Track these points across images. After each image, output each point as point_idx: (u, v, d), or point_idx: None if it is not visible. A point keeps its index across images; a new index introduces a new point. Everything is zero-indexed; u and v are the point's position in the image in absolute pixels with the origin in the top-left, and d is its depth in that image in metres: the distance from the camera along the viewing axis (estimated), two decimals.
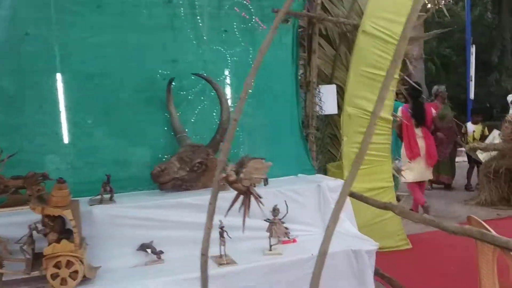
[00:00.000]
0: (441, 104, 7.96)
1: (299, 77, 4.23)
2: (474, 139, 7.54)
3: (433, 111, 6.58)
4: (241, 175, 1.71)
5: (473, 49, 12.25)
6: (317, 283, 1.79)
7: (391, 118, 4.59)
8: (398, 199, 5.17)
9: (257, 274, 2.77)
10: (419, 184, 6.31)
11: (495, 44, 13.98)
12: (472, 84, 12.22)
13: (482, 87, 14.58)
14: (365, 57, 4.44)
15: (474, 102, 12.17)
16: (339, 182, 3.40)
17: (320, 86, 4.24)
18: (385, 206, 3.47)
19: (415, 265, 4.56)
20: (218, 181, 1.69)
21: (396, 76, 4.54)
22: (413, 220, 3.18)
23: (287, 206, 3.00)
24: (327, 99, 4.26)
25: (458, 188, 8.11)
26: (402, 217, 3.42)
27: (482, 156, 7.06)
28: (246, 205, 1.77)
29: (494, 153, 6.75)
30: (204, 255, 1.62)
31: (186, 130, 3.39)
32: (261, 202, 1.82)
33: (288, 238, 3.15)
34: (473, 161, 7.68)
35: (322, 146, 4.83)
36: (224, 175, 1.70)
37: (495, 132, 7.11)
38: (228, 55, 3.69)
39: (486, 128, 7.62)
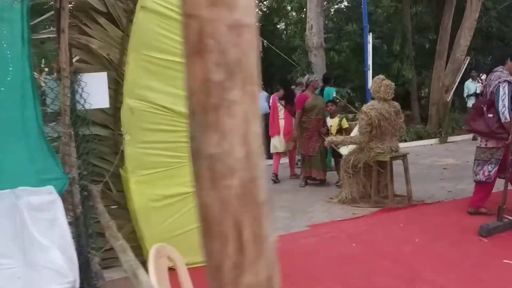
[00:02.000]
0: (312, 94, 7.41)
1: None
2: (331, 133, 7.02)
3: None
4: None
5: (370, 38, 11.90)
6: None
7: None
8: None
9: None
10: (280, 154, 8.18)
11: (396, 32, 13.75)
12: (369, 73, 11.87)
13: (387, 76, 14.33)
14: (147, 39, 3.69)
15: None
16: (48, 198, 2.63)
17: (82, 74, 3.45)
18: None
19: None
20: None
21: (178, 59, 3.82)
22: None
23: None
24: (93, 89, 3.47)
25: (333, 184, 7.61)
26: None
27: (346, 150, 6.53)
28: None
29: (352, 147, 6.25)
30: None
31: None
32: None
33: None
34: (337, 156, 7.18)
35: (113, 146, 4.06)
36: None
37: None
38: None
39: (344, 120, 7.07)
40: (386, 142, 5.96)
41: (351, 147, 6.40)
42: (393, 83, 6.02)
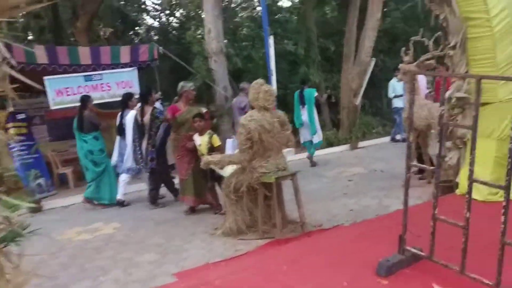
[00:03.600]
0: (186, 106, 6.26)
1: None
2: (202, 154, 5.87)
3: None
4: None
5: (271, 41, 11.02)
6: None
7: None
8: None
9: None
10: None
11: (301, 35, 13.01)
12: (273, 79, 10.98)
13: (294, 82, 13.52)
14: None
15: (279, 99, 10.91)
16: None
17: None
18: None
19: None
20: None
21: None
22: None
23: None
24: None
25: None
26: None
27: (231, 170, 5.39)
28: None
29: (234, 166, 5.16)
30: None
31: None
32: None
33: None
34: (210, 179, 6.06)
35: None
36: None
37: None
38: None
39: (214, 137, 5.91)
40: (271, 159, 4.93)
41: (235, 167, 5.30)
42: (273, 89, 5.01)
